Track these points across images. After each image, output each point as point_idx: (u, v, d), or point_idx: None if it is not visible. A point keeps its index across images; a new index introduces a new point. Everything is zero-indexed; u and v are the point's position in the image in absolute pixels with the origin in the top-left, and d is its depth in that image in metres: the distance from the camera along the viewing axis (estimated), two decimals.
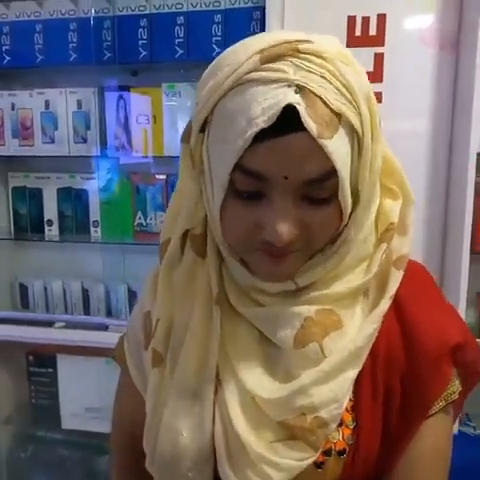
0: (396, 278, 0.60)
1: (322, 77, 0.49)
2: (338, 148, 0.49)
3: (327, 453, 0.60)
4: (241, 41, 0.54)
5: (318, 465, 0.60)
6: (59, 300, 1.85)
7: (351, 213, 0.55)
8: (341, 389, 0.57)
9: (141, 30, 1.55)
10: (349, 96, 0.50)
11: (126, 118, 1.67)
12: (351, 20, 1.45)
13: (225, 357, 0.61)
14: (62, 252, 1.88)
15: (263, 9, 1.44)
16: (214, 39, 1.54)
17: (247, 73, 0.50)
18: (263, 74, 0.49)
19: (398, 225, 0.61)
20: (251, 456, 0.57)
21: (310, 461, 0.58)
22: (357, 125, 0.51)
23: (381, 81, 1.46)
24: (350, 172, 0.52)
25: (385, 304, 0.59)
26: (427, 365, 0.60)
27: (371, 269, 0.59)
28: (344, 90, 0.50)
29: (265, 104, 0.48)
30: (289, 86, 0.48)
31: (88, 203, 1.80)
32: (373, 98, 0.52)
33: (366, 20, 1.44)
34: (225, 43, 1.53)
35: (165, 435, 0.60)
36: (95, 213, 1.80)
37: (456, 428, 1.48)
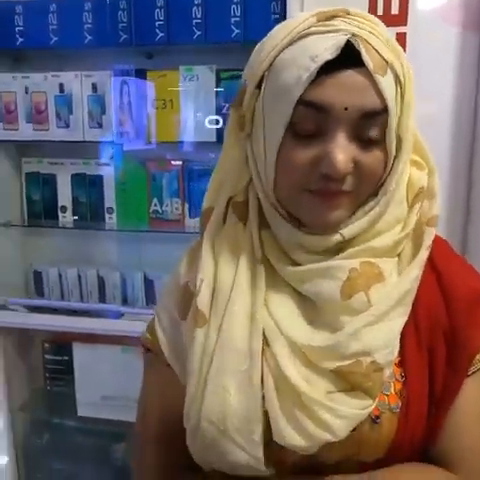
0: (430, 233, 0.64)
1: (370, 32, 0.56)
2: (389, 86, 0.56)
3: (382, 406, 0.61)
4: None
5: (374, 419, 0.60)
6: (74, 287, 1.84)
7: (393, 164, 0.60)
8: (391, 335, 0.59)
9: (158, 11, 1.51)
10: (393, 50, 0.57)
11: (138, 102, 1.63)
12: None
13: (269, 315, 0.61)
14: (77, 239, 1.86)
15: None
16: (233, 20, 1.48)
17: (304, 30, 0.56)
18: (320, 28, 0.56)
19: (426, 191, 0.65)
20: (308, 404, 0.56)
21: (370, 409, 0.58)
22: (400, 73, 0.57)
23: None
24: (395, 114, 0.57)
25: (423, 254, 0.62)
26: (465, 312, 0.64)
27: (407, 227, 0.63)
28: (389, 45, 0.57)
29: (327, 44, 0.54)
30: (345, 34, 0.54)
31: (103, 189, 1.77)
32: (408, 63, 0.59)
33: None
34: (244, 24, 1.48)
35: (211, 395, 0.59)
36: (110, 200, 1.77)
37: None
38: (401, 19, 1.42)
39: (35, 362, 1.88)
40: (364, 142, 0.57)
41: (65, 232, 1.84)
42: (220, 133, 1.61)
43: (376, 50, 0.55)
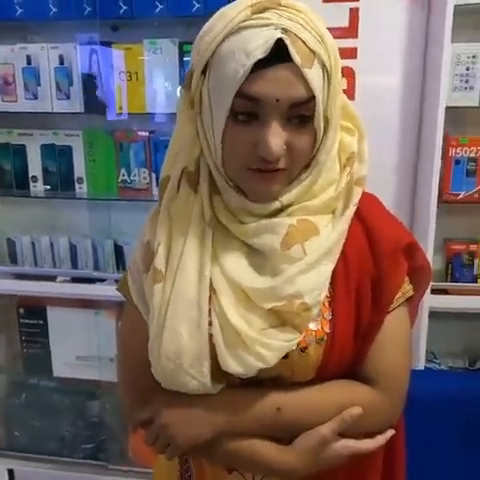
0: (357, 192, 0.75)
1: (299, 23, 0.63)
2: (315, 77, 0.64)
3: (309, 339, 0.72)
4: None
5: (302, 349, 0.72)
6: (47, 254, 1.91)
7: (321, 139, 0.69)
8: (321, 279, 0.71)
9: None
10: (320, 40, 0.64)
11: (104, 74, 1.68)
12: None
13: (220, 268, 0.72)
14: (49, 208, 1.92)
15: None
16: None
17: (241, 22, 0.63)
18: (254, 22, 0.63)
19: (357, 155, 0.76)
20: (245, 341, 0.68)
21: (296, 341, 0.70)
22: (327, 62, 0.65)
23: (356, 37, 1.50)
24: (322, 100, 0.66)
25: (351, 210, 0.74)
26: (388, 258, 0.75)
27: (338, 188, 0.74)
28: (316, 35, 0.64)
29: (259, 41, 0.62)
30: (276, 28, 0.62)
31: (72, 160, 1.83)
32: (336, 49, 0.67)
33: None
34: None
35: (168, 338, 0.70)
36: (79, 170, 1.83)
37: (423, 364, 1.62)
38: None
39: (10, 326, 1.95)
40: (295, 126, 0.65)
41: (37, 201, 1.89)
42: None
43: (304, 42, 0.62)
